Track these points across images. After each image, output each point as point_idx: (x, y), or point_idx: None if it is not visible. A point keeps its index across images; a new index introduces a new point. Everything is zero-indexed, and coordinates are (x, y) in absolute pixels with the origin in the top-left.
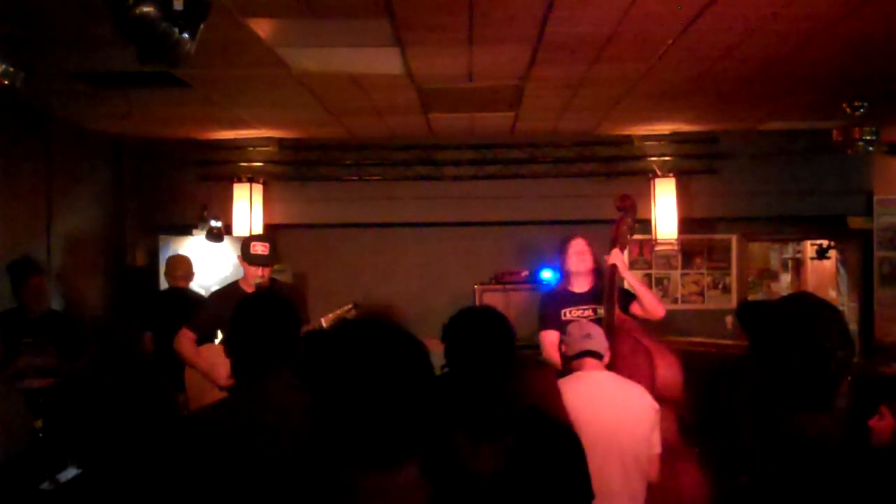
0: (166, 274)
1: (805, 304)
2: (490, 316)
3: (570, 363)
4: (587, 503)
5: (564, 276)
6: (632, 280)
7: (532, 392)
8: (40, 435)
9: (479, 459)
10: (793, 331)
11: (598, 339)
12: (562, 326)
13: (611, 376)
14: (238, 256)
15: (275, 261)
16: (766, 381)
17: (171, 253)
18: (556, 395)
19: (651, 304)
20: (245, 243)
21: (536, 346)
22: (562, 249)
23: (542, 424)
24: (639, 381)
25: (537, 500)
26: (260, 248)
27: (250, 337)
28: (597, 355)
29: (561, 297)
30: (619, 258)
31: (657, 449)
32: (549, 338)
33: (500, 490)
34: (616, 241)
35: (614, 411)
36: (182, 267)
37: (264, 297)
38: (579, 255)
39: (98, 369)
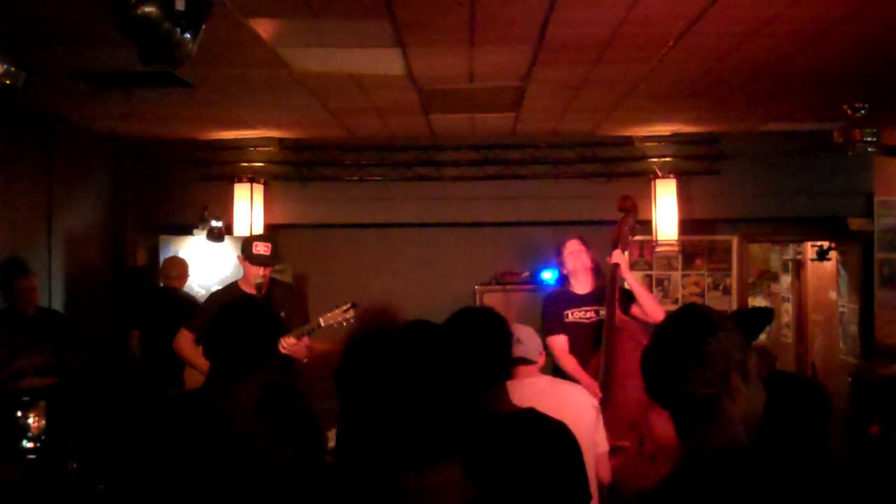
0: (161, 274)
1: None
2: (487, 317)
3: None
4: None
5: (565, 277)
6: (632, 282)
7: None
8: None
9: None
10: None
11: (528, 344)
12: (565, 328)
13: (544, 380)
14: (239, 256)
15: (276, 261)
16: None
17: (171, 253)
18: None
19: (650, 307)
20: (247, 242)
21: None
22: (558, 252)
23: (543, 423)
24: (639, 382)
25: (543, 496)
26: (262, 248)
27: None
28: (527, 361)
29: (563, 298)
30: (621, 258)
31: (603, 447)
32: (559, 343)
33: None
34: (618, 242)
35: (551, 414)
36: (176, 268)
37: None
38: (574, 255)
39: (92, 367)
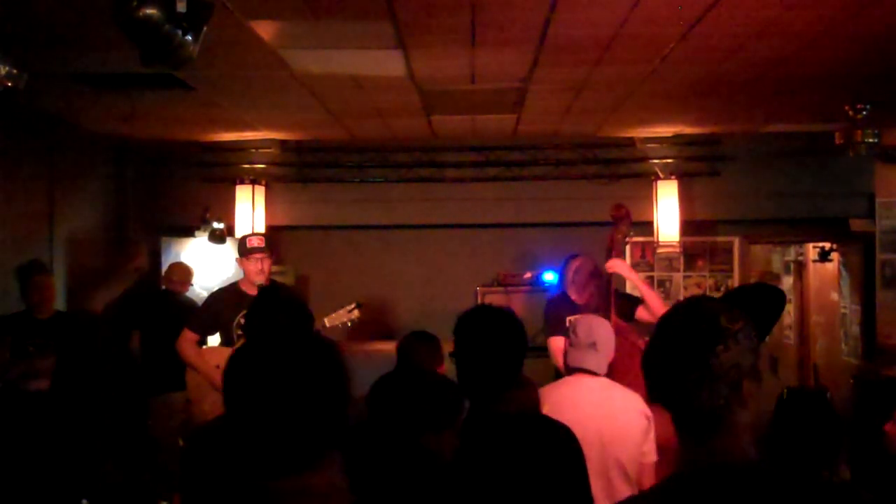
0: (164, 278)
1: None
2: (502, 315)
3: (569, 371)
4: None
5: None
6: (639, 283)
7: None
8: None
9: None
10: None
11: (602, 353)
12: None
13: (600, 382)
14: (236, 259)
15: (270, 250)
16: None
17: (173, 254)
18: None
19: (657, 307)
20: (241, 242)
21: (538, 349)
22: (564, 270)
23: (544, 425)
24: (635, 384)
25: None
26: (256, 241)
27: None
28: (593, 374)
29: (567, 304)
30: (620, 266)
31: (651, 457)
32: (558, 344)
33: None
34: (612, 250)
35: (598, 418)
36: (178, 273)
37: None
38: (581, 288)
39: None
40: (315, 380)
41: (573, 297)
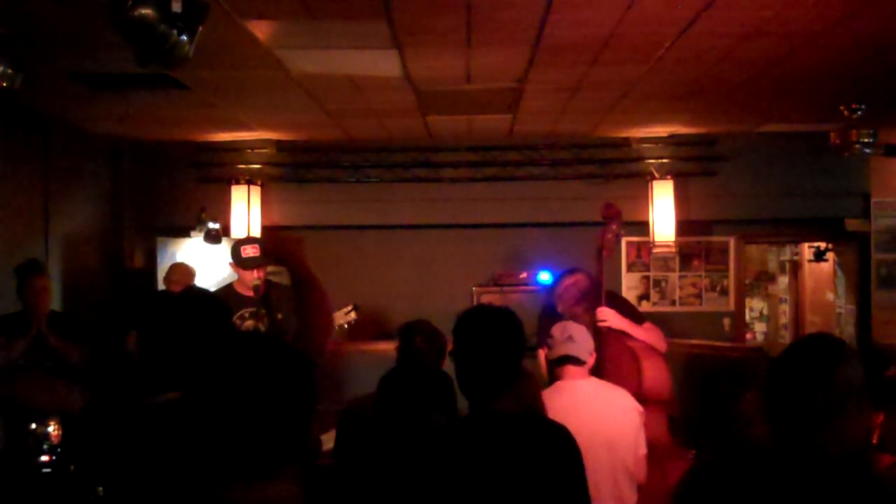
0: (164, 279)
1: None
2: (501, 314)
3: (553, 369)
4: None
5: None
6: (629, 328)
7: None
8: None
9: None
10: None
11: (580, 343)
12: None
13: (592, 383)
14: (230, 263)
15: (267, 260)
16: None
17: (168, 254)
18: (539, 401)
19: (656, 343)
20: (235, 248)
21: (535, 349)
22: (556, 283)
23: (542, 425)
24: (625, 383)
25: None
26: (250, 251)
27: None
28: (578, 361)
29: (556, 316)
30: (609, 315)
31: (643, 450)
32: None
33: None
34: (602, 249)
35: (598, 420)
36: (176, 273)
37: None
38: (563, 307)
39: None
40: (282, 391)
41: (560, 309)
